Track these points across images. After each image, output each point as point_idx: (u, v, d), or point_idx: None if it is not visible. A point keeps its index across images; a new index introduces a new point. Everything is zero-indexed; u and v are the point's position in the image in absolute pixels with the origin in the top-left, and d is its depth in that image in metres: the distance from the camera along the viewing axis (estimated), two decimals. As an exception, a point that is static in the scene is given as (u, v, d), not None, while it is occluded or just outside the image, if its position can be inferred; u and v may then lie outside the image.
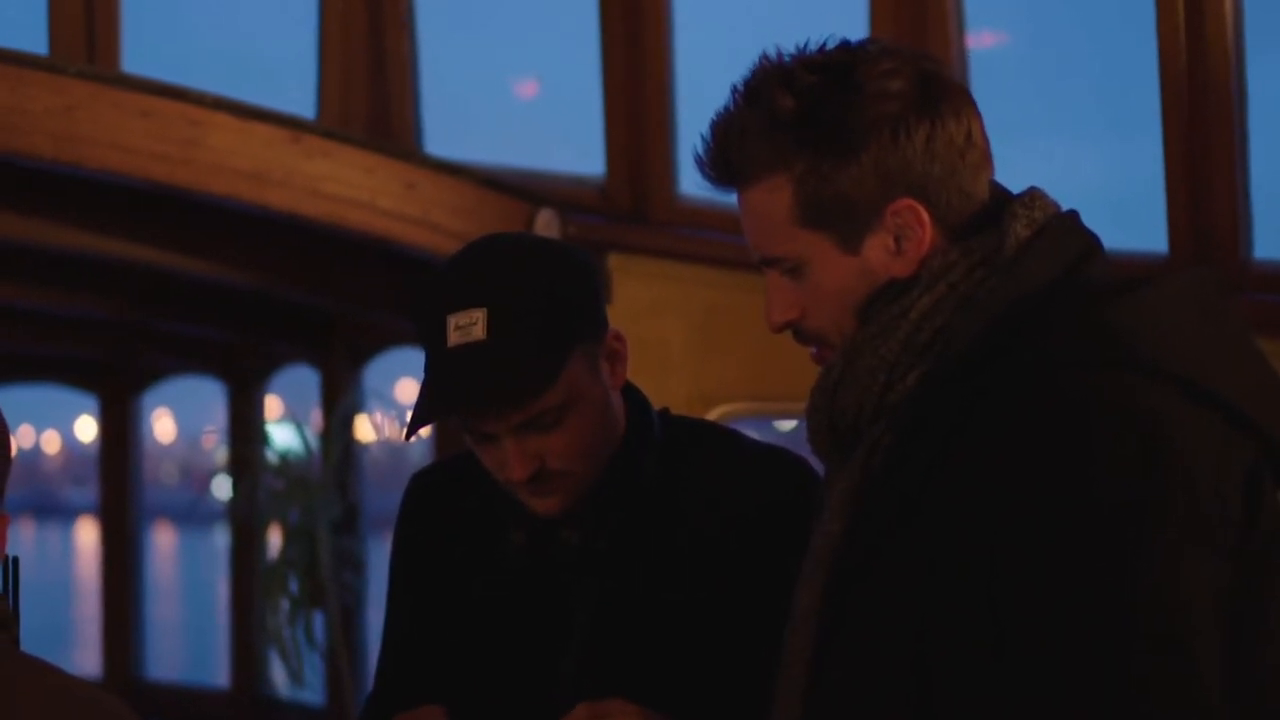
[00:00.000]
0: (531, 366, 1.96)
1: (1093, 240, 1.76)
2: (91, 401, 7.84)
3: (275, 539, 6.27)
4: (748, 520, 2.06)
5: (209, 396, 7.45)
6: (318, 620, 6.03)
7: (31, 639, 1.90)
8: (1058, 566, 1.58)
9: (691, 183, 1.85)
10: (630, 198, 5.38)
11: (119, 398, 7.63)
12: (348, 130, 5.49)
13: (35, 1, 5.63)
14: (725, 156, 1.79)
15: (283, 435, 6.36)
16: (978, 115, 1.77)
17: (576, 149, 5.69)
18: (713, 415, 4.85)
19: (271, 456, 6.24)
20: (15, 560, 1.86)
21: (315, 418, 6.61)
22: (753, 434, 2.23)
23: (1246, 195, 4.24)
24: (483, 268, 2.02)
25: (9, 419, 1.79)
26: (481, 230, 2.63)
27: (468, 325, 1.97)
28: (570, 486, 2.04)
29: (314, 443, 6.16)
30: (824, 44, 1.78)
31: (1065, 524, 1.58)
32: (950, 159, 1.73)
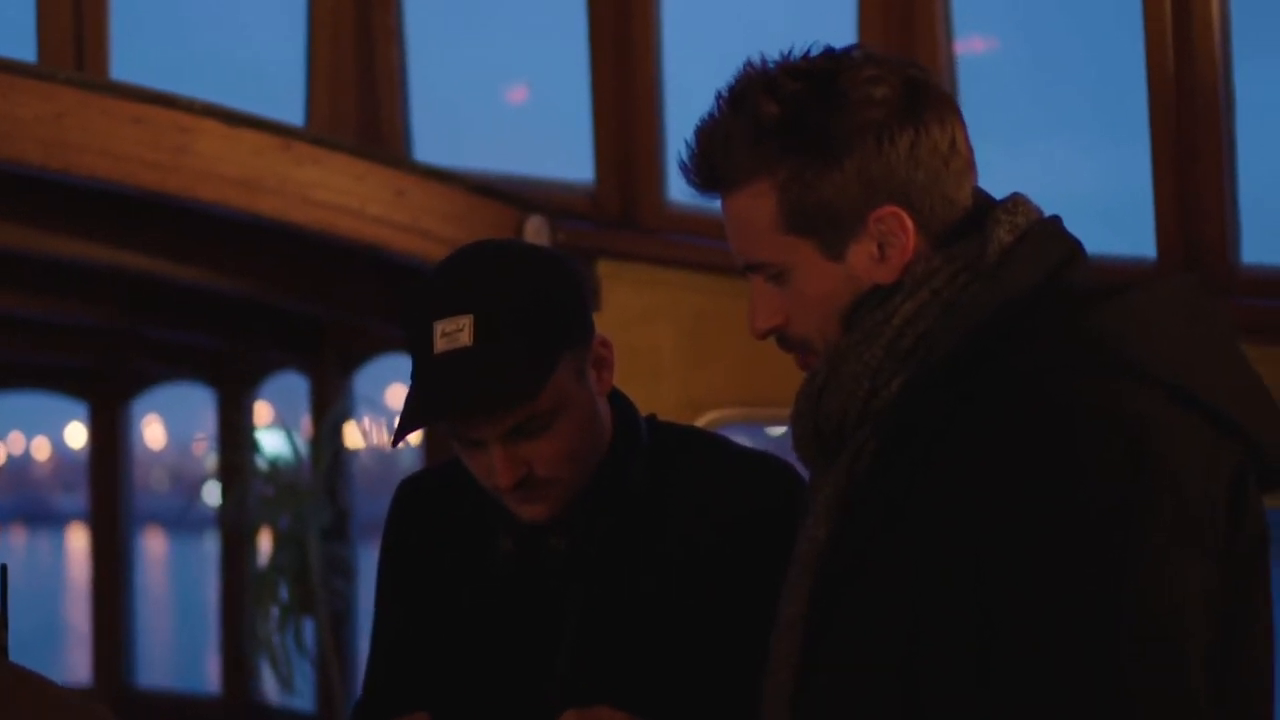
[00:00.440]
0: (518, 373, 1.96)
1: (1075, 245, 1.76)
2: (81, 408, 7.83)
3: (265, 545, 6.26)
4: (735, 526, 2.06)
5: (199, 403, 7.46)
6: (308, 626, 6.02)
7: (22, 646, 1.90)
8: (1046, 570, 1.58)
9: (680, 189, 1.84)
10: (620, 204, 5.37)
11: (109, 404, 7.63)
12: (337, 137, 5.48)
13: (24, 8, 5.62)
14: (709, 163, 1.79)
15: (273, 442, 6.35)
16: (962, 122, 1.77)
17: (566, 155, 5.69)
18: (702, 421, 4.85)
19: (261, 463, 6.23)
20: (4, 568, 1.85)
21: (305, 424, 6.61)
22: (743, 440, 2.23)
23: (1234, 200, 4.23)
24: (469, 274, 2.02)
25: (-2, 426, 1.79)
26: (471, 237, 2.63)
27: (454, 332, 1.97)
28: (558, 493, 2.04)
29: (304, 449, 6.16)
30: (809, 51, 1.78)
31: (1053, 528, 1.58)
32: (934, 166, 1.74)
